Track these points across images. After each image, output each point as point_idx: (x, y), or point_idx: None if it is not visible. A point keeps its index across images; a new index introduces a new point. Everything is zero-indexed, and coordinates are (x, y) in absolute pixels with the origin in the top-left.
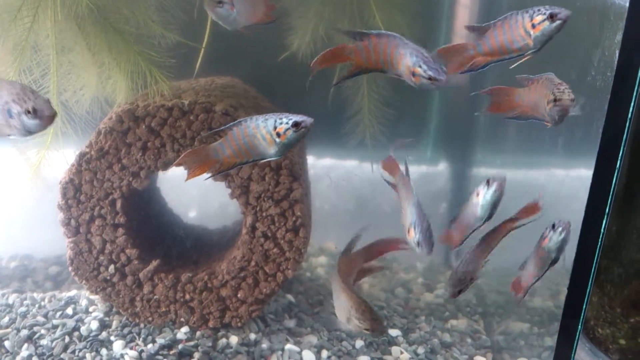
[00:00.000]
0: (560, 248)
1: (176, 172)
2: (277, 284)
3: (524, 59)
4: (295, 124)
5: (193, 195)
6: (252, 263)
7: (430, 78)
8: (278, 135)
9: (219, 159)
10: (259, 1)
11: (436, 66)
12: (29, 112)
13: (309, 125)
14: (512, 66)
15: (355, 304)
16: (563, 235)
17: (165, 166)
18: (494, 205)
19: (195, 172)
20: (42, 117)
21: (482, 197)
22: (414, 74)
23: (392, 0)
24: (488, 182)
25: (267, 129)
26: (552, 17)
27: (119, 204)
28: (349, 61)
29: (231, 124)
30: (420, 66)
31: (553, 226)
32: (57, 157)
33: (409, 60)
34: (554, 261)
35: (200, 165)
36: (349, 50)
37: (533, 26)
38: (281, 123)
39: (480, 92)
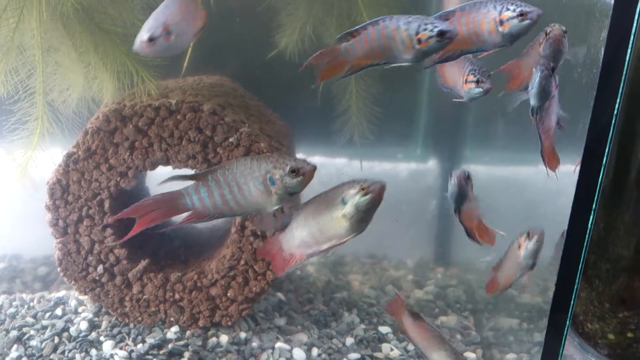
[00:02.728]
0: (535, 255)
1: (165, 171)
2: (267, 282)
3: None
4: (441, 33)
5: None
6: (242, 262)
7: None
8: (419, 41)
9: (349, 59)
10: (194, 11)
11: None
12: (292, 171)
13: (454, 36)
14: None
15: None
16: (537, 245)
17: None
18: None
19: (325, 74)
20: (305, 173)
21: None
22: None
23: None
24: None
25: (408, 33)
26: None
27: (107, 204)
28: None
29: (367, 22)
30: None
31: (528, 235)
32: (44, 157)
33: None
34: (532, 266)
35: (330, 66)
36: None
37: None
38: (425, 29)
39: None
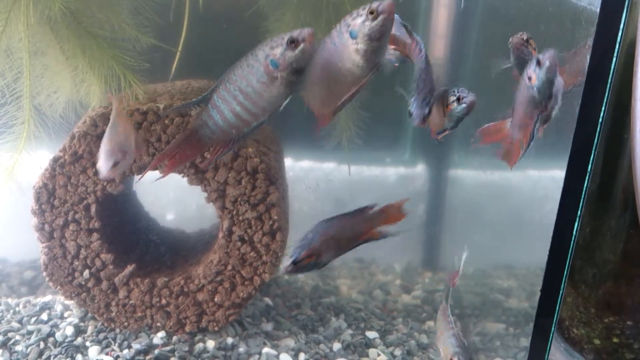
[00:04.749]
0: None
1: (152, 175)
2: (254, 287)
3: None
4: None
5: (170, 198)
6: (229, 267)
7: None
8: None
9: None
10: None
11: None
12: (291, 42)
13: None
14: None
15: None
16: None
17: None
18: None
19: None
20: (304, 39)
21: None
22: None
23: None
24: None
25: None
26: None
27: (93, 209)
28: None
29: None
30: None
31: (537, 62)
32: (31, 161)
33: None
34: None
35: None
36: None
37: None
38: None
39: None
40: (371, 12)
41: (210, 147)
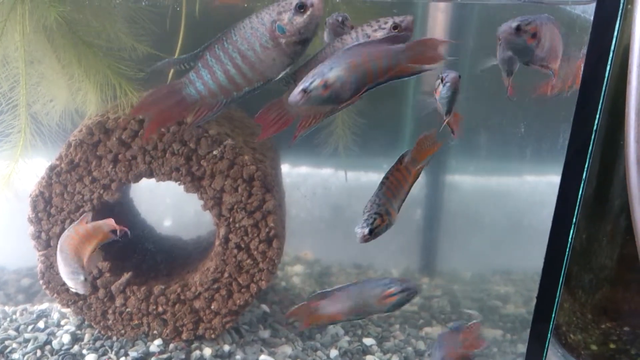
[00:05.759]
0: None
1: (149, 184)
2: (251, 295)
3: None
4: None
5: (167, 205)
6: (226, 274)
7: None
8: None
9: None
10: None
11: None
12: (300, 7)
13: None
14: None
15: None
16: None
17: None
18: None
19: None
20: (313, 4)
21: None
22: None
23: (364, 10)
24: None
25: None
26: None
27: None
28: None
29: None
30: None
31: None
32: (28, 169)
33: None
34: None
35: None
36: None
37: None
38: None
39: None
40: (395, 27)
41: (193, 109)
